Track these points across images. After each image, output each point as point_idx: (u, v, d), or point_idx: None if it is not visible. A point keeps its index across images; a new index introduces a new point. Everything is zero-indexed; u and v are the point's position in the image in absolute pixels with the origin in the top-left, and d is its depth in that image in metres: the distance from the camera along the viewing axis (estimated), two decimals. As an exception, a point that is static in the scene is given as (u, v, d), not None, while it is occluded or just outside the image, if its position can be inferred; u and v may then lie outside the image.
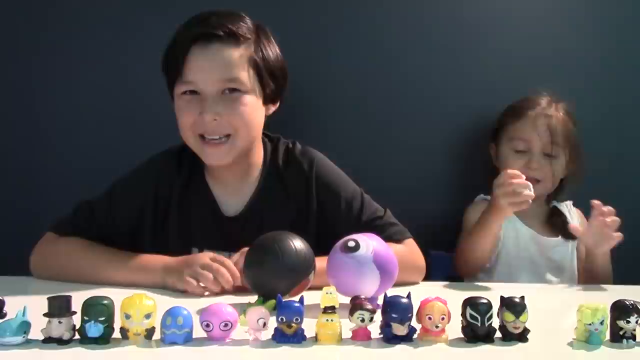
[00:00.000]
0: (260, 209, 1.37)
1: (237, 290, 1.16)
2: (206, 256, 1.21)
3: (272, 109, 1.39)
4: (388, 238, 1.26)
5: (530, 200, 1.38)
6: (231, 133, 1.30)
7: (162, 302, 0.87)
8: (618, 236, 1.44)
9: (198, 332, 0.85)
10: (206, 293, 1.16)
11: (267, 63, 1.33)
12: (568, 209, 1.70)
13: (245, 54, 1.30)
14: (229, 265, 1.18)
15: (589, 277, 1.56)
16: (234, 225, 1.36)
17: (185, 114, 1.31)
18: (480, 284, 1.46)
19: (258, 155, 1.40)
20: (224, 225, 1.36)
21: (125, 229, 1.36)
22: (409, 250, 1.35)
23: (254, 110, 1.32)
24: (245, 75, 1.29)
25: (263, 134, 1.42)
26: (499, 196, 1.39)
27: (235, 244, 1.30)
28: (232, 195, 1.38)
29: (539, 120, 1.63)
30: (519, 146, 1.64)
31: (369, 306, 0.87)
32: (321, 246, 1.12)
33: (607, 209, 1.43)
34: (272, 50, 1.35)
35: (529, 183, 1.38)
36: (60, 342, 0.82)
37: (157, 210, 1.37)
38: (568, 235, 1.61)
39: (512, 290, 0.92)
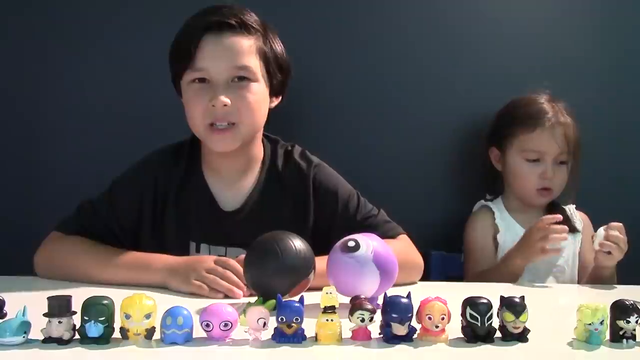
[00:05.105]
0: (259, 205, 1.37)
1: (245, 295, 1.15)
2: (210, 259, 1.21)
3: (275, 102, 1.41)
4: (383, 235, 1.25)
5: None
6: (236, 122, 1.31)
7: (162, 302, 0.87)
8: (622, 240, 1.42)
9: (198, 332, 0.85)
10: (217, 296, 1.15)
11: (275, 55, 1.36)
12: (571, 212, 1.69)
13: (254, 45, 1.33)
14: (233, 266, 1.18)
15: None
16: (232, 219, 1.36)
17: (195, 102, 1.32)
18: (480, 284, 1.46)
19: (258, 151, 1.41)
20: (221, 220, 1.37)
21: (128, 226, 1.36)
22: (407, 250, 1.35)
23: (261, 99, 1.34)
24: (255, 64, 1.32)
25: (262, 134, 1.42)
26: (535, 239, 1.42)
27: (233, 238, 1.32)
28: (231, 190, 1.39)
29: (554, 131, 1.61)
30: (532, 156, 1.62)
31: (369, 306, 0.86)
32: (317, 246, 1.12)
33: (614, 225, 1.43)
34: (279, 45, 1.39)
35: (566, 228, 1.44)
36: (60, 342, 0.82)
37: (156, 205, 1.37)
38: (572, 228, 1.60)
39: (512, 290, 0.92)
